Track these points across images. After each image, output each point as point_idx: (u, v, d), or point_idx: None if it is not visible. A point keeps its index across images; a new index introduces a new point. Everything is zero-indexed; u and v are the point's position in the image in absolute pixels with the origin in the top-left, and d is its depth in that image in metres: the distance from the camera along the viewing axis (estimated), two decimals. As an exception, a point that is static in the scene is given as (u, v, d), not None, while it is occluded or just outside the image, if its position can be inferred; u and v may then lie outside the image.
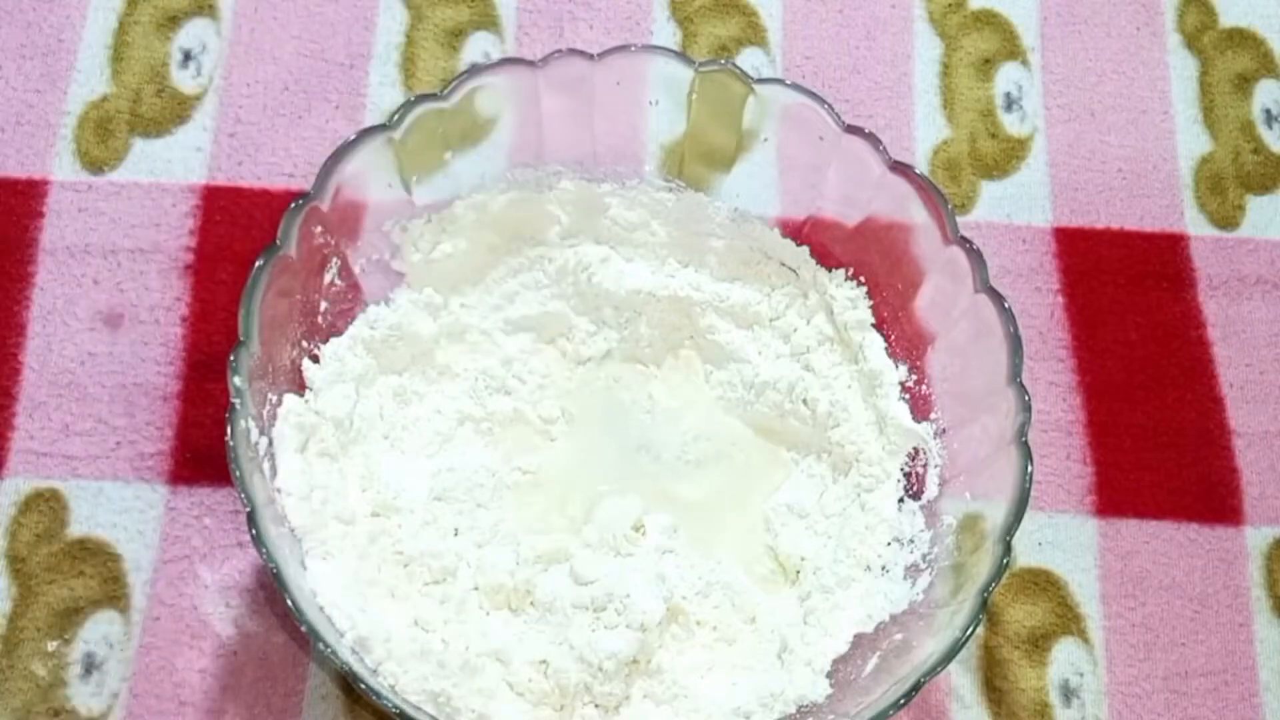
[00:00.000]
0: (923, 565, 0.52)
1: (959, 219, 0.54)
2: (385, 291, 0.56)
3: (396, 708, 0.44)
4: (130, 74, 0.64)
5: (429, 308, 0.57)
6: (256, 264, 0.48)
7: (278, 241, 0.49)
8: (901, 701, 0.45)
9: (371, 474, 0.54)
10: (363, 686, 0.45)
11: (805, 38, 0.68)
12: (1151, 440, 0.61)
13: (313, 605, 0.47)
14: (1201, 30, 0.70)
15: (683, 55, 0.54)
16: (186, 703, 0.53)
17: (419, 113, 0.52)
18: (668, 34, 0.67)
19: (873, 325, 0.57)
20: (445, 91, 0.52)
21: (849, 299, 0.57)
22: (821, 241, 0.58)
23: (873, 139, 0.53)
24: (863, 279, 0.57)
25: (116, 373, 0.58)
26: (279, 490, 0.49)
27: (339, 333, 0.55)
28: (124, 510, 0.56)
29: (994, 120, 0.67)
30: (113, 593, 0.55)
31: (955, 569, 0.50)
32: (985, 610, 0.46)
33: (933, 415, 0.54)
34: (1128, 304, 0.64)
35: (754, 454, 0.58)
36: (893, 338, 0.57)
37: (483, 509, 0.55)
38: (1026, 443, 0.48)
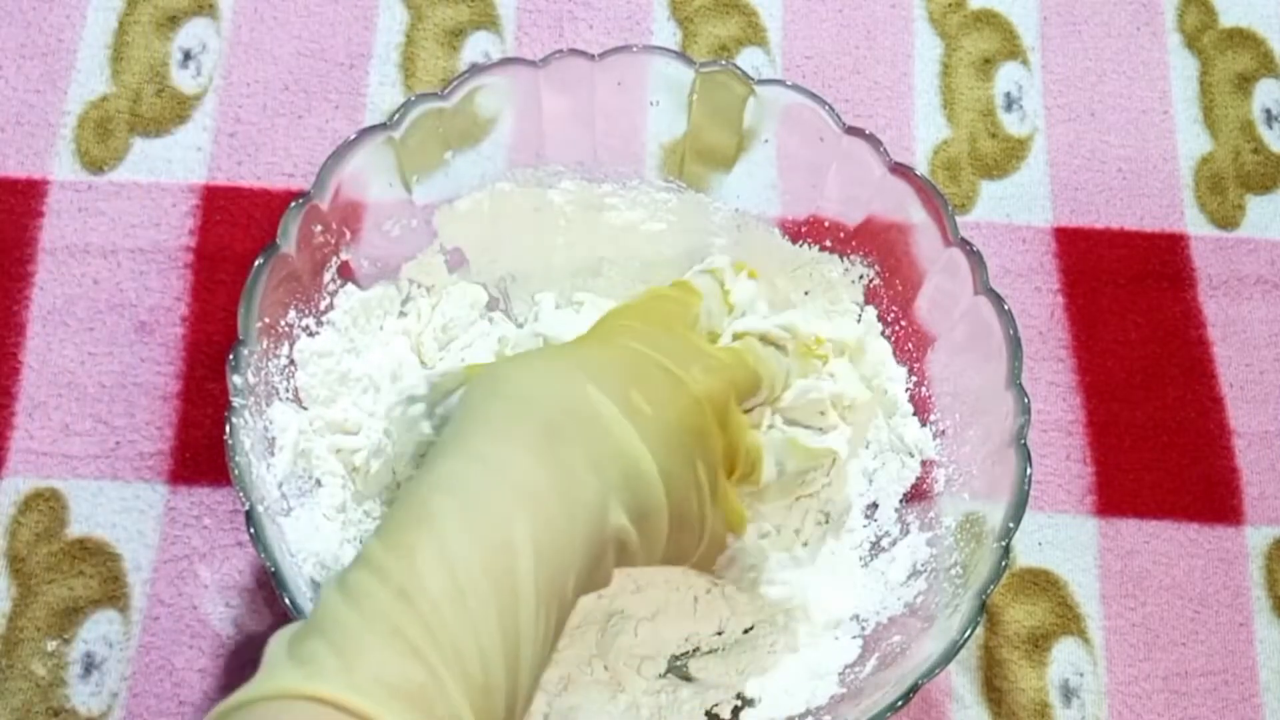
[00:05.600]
0: (921, 567, 0.52)
1: (959, 219, 0.54)
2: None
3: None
4: (130, 74, 0.64)
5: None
6: (256, 263, 0.48)
7: (278, 241, 0.49)
8: (899, 703, 0.45)
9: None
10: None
11: (805, 38, 0.68)
12: (1151, 440, 0.61)
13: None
14: (1201, 30, 0.70)
15: (683, 55, 0.54)
16: (186, 702, 0.53)
17: (419, 112, 0.52)
18: (668, 34, 0.67)
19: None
20: (445, 91, 0.52)
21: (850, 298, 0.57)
22: (821, 242, 0.58)
23: (873, 140, 0.53)
24: (864, 277, 0.57)
25: (116, 373, 0.58)
26: (279, 485, 0.49)
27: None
28: (124, 510, 0.56)
29: (994, 120, 0.67)
30: (112, 592, 0.55)
31: (954, 570, 0.50)
32: (984, 612, 0.46)
33: (932, 417, 0.54)
34: (1128, 304, 0.64)
35: None
36: (893, 339, 0.57)
37: None
38: (1026, 445, 0.48)
